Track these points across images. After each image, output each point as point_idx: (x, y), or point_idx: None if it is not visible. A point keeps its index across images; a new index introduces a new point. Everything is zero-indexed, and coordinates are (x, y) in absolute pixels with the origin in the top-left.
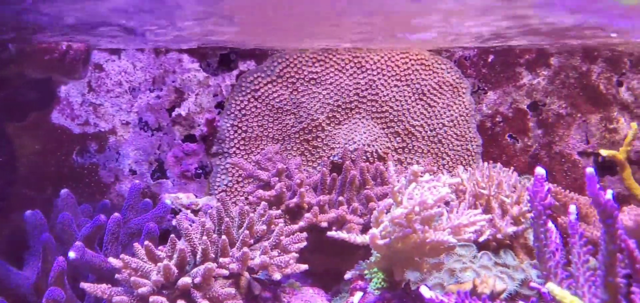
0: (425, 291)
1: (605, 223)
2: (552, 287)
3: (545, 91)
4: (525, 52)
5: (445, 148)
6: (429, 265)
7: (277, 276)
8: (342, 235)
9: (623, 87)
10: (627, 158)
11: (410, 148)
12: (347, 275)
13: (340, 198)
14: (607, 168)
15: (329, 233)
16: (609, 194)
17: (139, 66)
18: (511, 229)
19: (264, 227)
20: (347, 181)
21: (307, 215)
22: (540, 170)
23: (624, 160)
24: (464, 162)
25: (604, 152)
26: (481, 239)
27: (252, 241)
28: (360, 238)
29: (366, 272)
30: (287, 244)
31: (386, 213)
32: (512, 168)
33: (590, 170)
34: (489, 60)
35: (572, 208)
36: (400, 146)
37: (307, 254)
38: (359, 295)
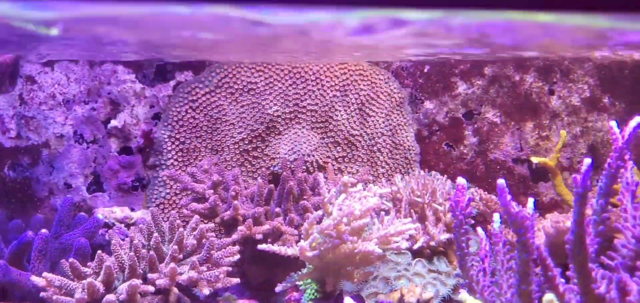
0: (348, 302)
1: (517, 233)
2: (464, 296)
3: (480, 100)
4: (460, 63)
5: (384, 157)
6: (360, 274)
7: (206, 291)
8: (273, 247)
9: (554, 96)
10: (558, 164)
11: (351, 157)
12: (278, 288)
13: (277, 209)
14: (541, 174)
15: (260, 247)
16: (529, 203)
17: (73, 77)
18: (444, 236)
19: (194, 241)
20: (284, 192)
21: (241, 227)
22: (461, 180)
23: (555, 167)
24: (402, 170)
25: (534, 159)
26: (416, 247)
27: (181, 256)
28: (291, 251)
29: (300, 282)
30: (218, 258)
31: (317, 225)
32: (445, 176)
33: (500, 182)
34: (425, 70)
35: (495, 217)
36: (341, 155)
37: (246, 266)
38: None
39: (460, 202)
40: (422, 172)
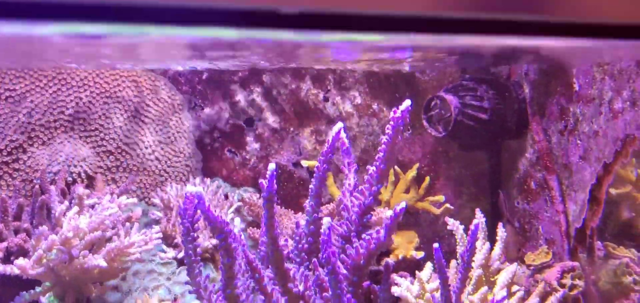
0: None
1: (218, 239)
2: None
3: (259, 107)
4: (239, 70)
5: (163, 166)
6: (100, 288)
7: None
8: None
9: (329, 103)
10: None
11: (125, 166)
12: None
13: (26, 225)
14: None
15: None
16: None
17: None
18: (209, 242)
19: None
20: (36, 206)
21: None
22: (190, 188)
23: None
24: (183, 178)
25: (305, 163)
26: (180, 256)
27: None
28: (17, 270)
29: (44, 299)
30: None
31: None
32: (216, 181)
33: (198, 190)
34: (204, 77)
35: (237, 221)
36: (114, 165)
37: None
38: None
39: (188, 210)
40: (197, 180)
